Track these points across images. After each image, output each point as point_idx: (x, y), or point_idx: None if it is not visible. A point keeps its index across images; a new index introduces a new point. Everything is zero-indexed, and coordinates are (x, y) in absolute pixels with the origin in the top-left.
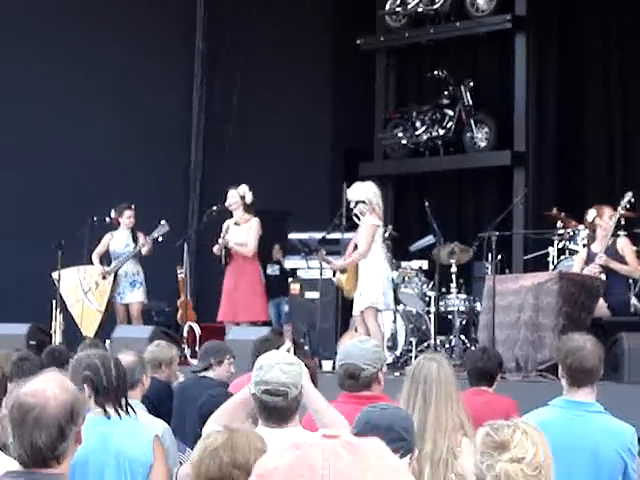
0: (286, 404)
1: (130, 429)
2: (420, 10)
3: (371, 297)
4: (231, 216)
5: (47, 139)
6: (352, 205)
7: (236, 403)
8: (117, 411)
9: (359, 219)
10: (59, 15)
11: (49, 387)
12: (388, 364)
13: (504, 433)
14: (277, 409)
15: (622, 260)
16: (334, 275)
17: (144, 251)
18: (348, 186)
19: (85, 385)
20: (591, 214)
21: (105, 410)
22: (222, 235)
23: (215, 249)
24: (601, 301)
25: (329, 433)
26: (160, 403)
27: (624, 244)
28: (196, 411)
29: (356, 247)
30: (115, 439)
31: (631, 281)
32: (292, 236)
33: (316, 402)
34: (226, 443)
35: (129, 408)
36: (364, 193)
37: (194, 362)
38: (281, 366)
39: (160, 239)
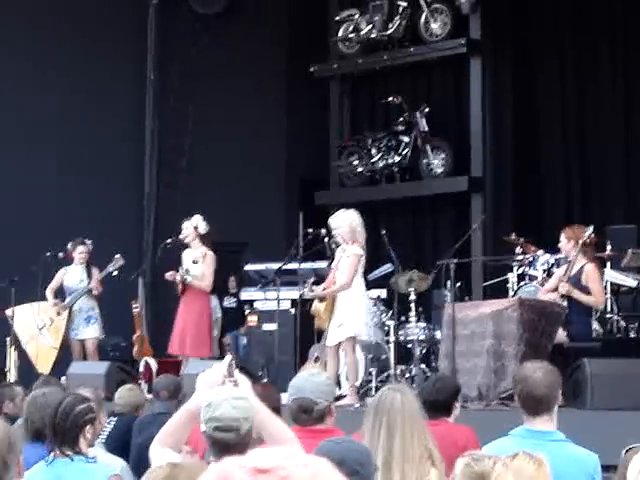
0: (239, 439)
1: (83, 470)
2: (373, 36)
3: (354, 328)
4: (188, 248)
5: None
6: (333, 232)
7: (178, 422)
8: (69, 454)
9: (337, 247)
10: (5, 46)
11: None
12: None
13: (484, 464)
14: (230, 445)
15: (586, 289)
16: (310, 304)
17: (94, 291)
18: (304, 216)
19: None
20: None
21: (60, 452)
22: (182, 266)
23: (168, 275)
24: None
25: (263, 467)
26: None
27: (590, 273)
28: None
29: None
30: None
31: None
32: (248, 267)
33: (259, 413)
34: (166, 478)
35: (86, 449)
36: (347, 221)
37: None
38: (230, 401)
39: (115, 273)
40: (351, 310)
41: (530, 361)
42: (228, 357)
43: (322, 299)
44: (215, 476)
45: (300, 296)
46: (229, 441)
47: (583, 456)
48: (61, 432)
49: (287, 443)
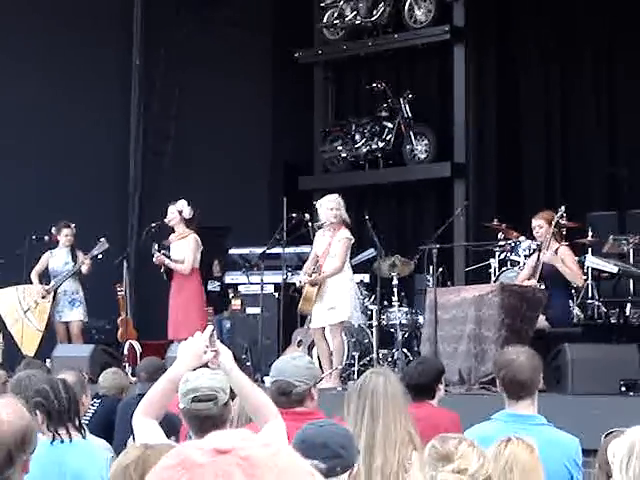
0: (217, 411)
1: (84, 451)
2: (358, 22)
3: (346, 312)
4: (173, 232)
5: None
6: (330, 212)
7: (160, 391)
8: (69, 434)
9: (318, 229)
10: None
11: (5, 412)
12: None
13: (449, 445)
14: (209, 418)
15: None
16: (301, 289)
17: (84, 270)
18: (288, 201)
19: (37, 411)
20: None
21: (58, 434)
22: (154, 251)
23: (155, 259)
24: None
25: (222, 447)
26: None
27: (564, 253)
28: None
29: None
30: (70, 462)
31: (573, 291)
32: (232, 251)
33: (241, 382)
34: (137, 460)
35: (81, 430)
36: (342, 203)
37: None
38: (206, 375)
39: (100, 257)
40: (342, 294)
41: (512, 346)
42: (209, 328)
43: (314, 284)
44: (175, 459)
45: (284, 280)
46: (208, 413)
47: (565, 440)
48: (62, 414)
49: (269, 415)
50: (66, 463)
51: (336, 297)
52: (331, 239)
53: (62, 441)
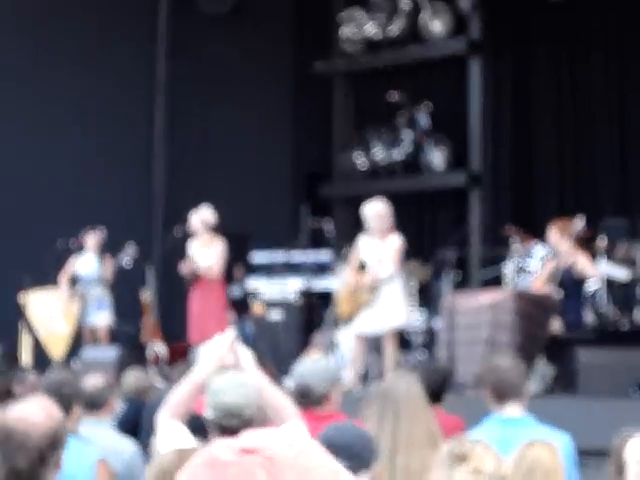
0: (242, 424)
1: (73, 451)
2: (376, 34)
3: (404, 316)
4: (197, 237)
5: (11, 163)
6: (378, 221)
7: (185, 394)
8: None
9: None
10: (25, 43)
11: (35, 413)
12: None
13: (465, 446)
14: (233, 429)
15: (581, 280)
16: (355, 293)
17: (107, 276)
18: (309, 207)
19: None
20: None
21: None
22: (188, 258)
23: (183, 269)
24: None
25: (248, 447)
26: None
27: (581, 258)
28: None
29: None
30: None
31: (587, 297)
32: (254, 257)
33: (261, 384)
34: (177, 464)
35: (76, 427)
36: (388, 211)
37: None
38: (234, 389)
39: (128, 261)
40: (398, 299)
41: (504, 354)
42: (231, 330)
43: (372, 289)
44: (204, 458)
45: (305, 285)
46: (233, 426)
47: (561, 438)
48: None
49: (289, 416)
50: None
51: (393, 302)
52: (382, 243)
53: None
